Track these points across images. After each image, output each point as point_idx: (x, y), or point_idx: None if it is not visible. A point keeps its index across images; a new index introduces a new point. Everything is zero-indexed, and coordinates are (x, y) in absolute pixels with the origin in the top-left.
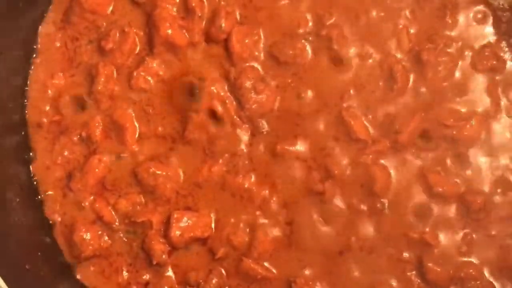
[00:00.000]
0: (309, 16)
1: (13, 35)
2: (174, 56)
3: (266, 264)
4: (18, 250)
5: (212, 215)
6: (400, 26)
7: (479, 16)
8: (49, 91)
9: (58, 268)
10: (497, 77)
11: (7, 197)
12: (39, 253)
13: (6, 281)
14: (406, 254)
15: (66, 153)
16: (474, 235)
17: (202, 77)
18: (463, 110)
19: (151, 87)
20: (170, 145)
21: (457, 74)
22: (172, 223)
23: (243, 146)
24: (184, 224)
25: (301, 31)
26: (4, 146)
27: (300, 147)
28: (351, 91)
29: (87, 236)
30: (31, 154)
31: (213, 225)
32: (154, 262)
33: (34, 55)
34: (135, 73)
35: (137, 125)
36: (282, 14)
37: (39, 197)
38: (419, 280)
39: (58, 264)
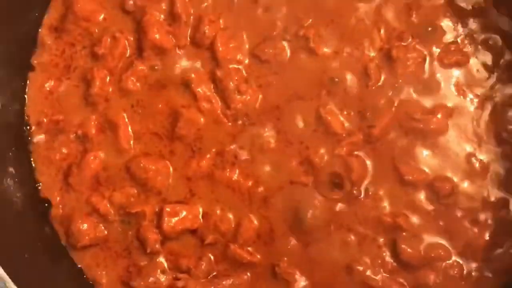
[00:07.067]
0: (288, 20)
1: (12, 41)
2: (162, 59)
3: (250, 249)
4: (18, 240)
5: (200, 207)
6: (371, 27)
7: (446, 16)
8: (48, 93)
9: (57, 257)
10: (462, 72)
11: (9, 196)
12: (39, 243)
13: (5, 268)
14: (381, 238)
15: (64, 150)
16: (442, 219)
17: (189, 78)
18: (431, 104)
19: (140, 88)
20: (160, 141)
21: (426, 69)
22: (164, 217)
23: (229, 142)
24: (175, 218)
25: (280, 32)
26: (5, 144)
27: (282, 141)
28: (328, 88)
29: (84, 226)
30: (31, 153)
31: (200, 217)
32: (148, 251)
33: (33, 59)
34: (123, 76)
35: (129, 124)
36: (263, 19)
37: (40, 191)
38: (392, 261)
39: (57, 252)
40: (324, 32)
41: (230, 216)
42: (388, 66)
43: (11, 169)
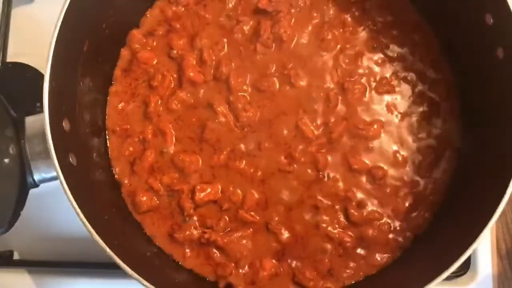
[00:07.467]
0: (277, 63)
1: (100, 76)
2: (194, 89)
3: (252, 213)
4: (101, 207)
5: (220, 185)
6: (331, 68)
7: (379, 61)
8: (120, 111)
9: (126, 218)
10: (390, 97)
11: (95, 178)
12: (114, 209)
13: (94, 226)
14: (337, 205)
15: (131, 148)
16: (377, 194)
17: (212, 102)
18: (370, 118)
19: (180, 108)
20: (193, 143)
21: (367, 95)
22: (196, 192)
23: (238, 143)
24: (203, 192)
25: (272, 71)
26: (93, 143)
27: (273, 142)
28: (303, 108)
29: (144, 198)
30: (109, 149)
31: (220, 192)
32: (185, 214)
33: (111, 88)
34: (169, 100)
35: (173, 131)
36: (260, 63)
37: (116, 175)
38: (345, 221)
39: (126, 215)
40: (300, 71)
41: (239, 191)
42: (342, 94)
43: (97, 159)
